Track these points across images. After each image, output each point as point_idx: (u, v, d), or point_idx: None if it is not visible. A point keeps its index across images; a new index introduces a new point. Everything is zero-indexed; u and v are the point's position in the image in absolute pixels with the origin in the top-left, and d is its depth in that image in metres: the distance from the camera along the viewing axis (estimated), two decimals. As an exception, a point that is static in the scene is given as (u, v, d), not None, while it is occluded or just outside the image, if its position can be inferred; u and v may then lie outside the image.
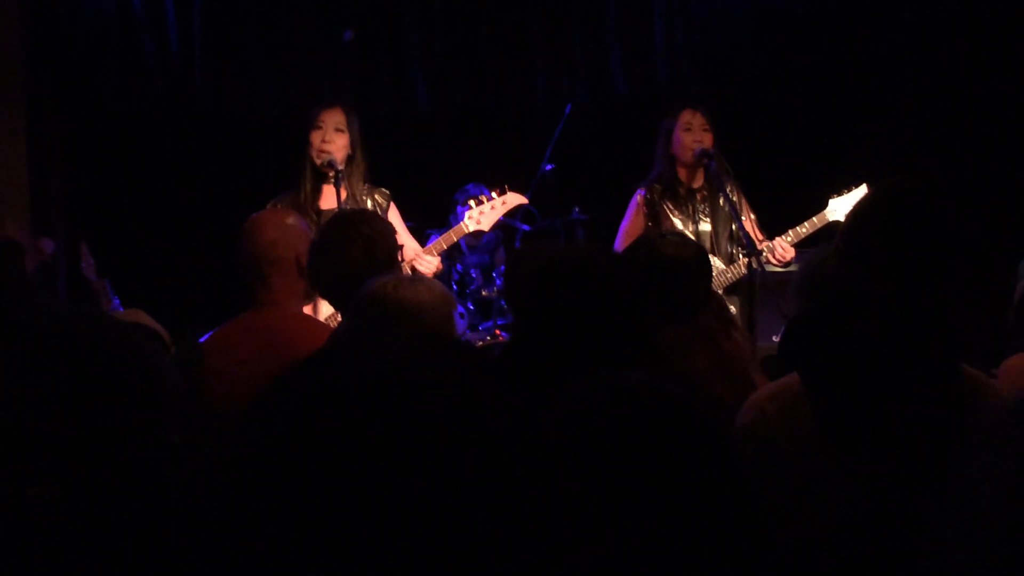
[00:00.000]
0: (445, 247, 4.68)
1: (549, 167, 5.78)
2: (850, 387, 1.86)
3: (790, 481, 2.01)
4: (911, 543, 1.89)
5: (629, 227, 5.04)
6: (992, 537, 1.96)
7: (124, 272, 5.47)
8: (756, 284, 4.54)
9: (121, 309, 5.05)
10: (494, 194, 4.80)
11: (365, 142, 4.74)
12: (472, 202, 4.78)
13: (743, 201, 4.96)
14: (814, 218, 4.93)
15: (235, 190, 5.99)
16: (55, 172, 6.09)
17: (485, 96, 6.49)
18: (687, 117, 5.01)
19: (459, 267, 5.88)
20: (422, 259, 4.49)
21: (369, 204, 4.65)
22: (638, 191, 5.05)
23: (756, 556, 1.41)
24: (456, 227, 4.74)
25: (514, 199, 4.83)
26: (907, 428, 1.86)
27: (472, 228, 4.76)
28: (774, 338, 5.12)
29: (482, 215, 4.77)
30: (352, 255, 3.19)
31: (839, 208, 4.93)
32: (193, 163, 6.42)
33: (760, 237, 4.90)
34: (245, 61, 6.29)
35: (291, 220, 3.54)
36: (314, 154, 4.62)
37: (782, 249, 4.81)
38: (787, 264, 4.88)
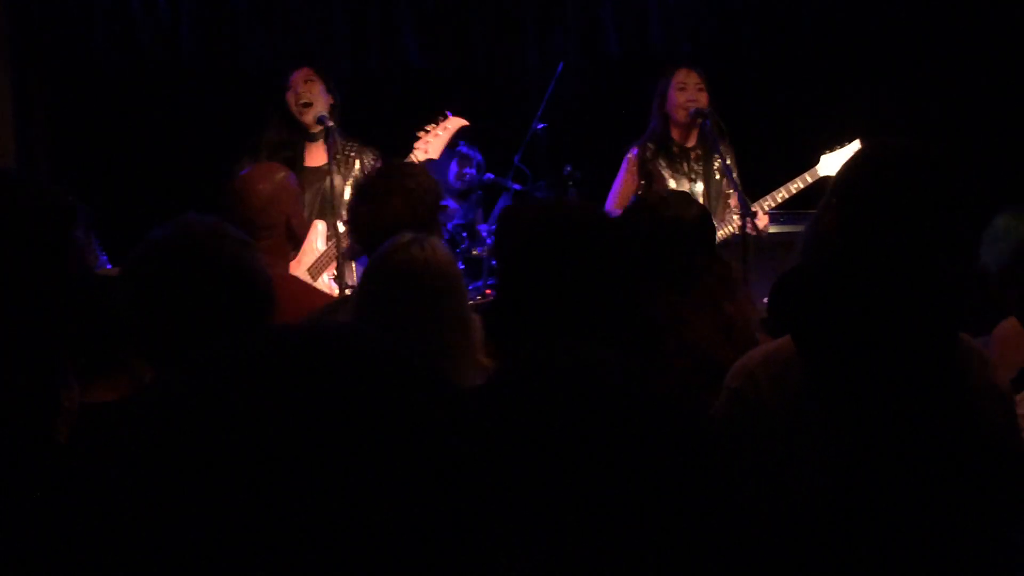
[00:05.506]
0: None
1: (541, 126, 5.73)
2: (846, 346, 1.82)
3: (779, 446, 1.99)
4: (901, 506, 1.87)
5: (621, 186, 5.02)
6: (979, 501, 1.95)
7: (111, 230, 5.42)
8: (749, 245, 4.53)
9: (109, 266, 5.00)
10: (438, 121, 4.79)
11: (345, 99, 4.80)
12: (420, 133, 4.77)
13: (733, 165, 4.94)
14: (806, 174, 4.95)
15: (222, 147, 5.91)
16: (41, 128, 6.03)
17: (476, 54, 6.43)
18: (682, 76, 4.99)
19: (449, 225, 5.83)
20: None
21: (358, 165, 4.62)
22: (631, 150, 5.02)
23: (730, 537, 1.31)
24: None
25: (455, 122, 4.83)
26: (902, 389, 1.83)
27: (422, 158, 4.73)
28: (766, 300, 5.11)
29: (428, 144, 4.75)
30: (393, 206, 3.17)
31: (831, 164, 4.95)
32: (180, 119, 6.35)
33: None
34: (233, 15, 6.21)
35: (281, 175, 3.50)
36: (296, 112, 4.69)
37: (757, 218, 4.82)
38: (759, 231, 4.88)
